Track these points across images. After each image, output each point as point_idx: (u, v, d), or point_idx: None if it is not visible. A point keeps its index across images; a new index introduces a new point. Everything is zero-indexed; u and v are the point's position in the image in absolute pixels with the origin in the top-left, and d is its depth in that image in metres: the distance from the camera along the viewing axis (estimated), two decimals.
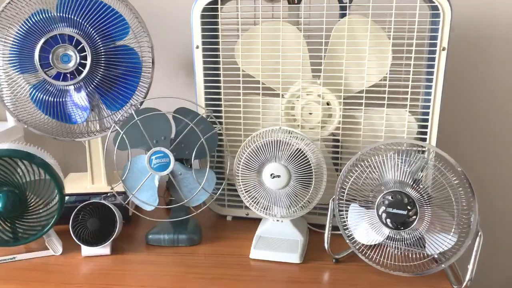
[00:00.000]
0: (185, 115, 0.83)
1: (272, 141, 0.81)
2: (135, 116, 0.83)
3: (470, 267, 0.71)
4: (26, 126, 0.91)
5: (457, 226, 0.72)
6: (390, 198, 0.73)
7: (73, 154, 1.25)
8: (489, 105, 1.16)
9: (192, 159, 0.83)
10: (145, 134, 0.82)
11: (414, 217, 0.72)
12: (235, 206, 0.98)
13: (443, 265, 0.74)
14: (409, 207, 0.72)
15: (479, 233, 0.71)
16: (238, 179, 0.84)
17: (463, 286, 0.71)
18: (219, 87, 0.92)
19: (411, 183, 0.74)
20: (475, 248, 0.71)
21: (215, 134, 0.85)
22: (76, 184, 1.03)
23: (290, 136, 0.82)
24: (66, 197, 0.96)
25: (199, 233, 0.90)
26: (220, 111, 0.93)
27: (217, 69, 0.92)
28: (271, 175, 0.81)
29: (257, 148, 0.81)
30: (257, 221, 0.92)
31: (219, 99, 0.93)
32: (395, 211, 0.73)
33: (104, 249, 0.84)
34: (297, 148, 0.81)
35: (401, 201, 0.72)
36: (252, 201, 0.84)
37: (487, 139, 1.19)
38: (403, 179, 0.74)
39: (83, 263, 0.83)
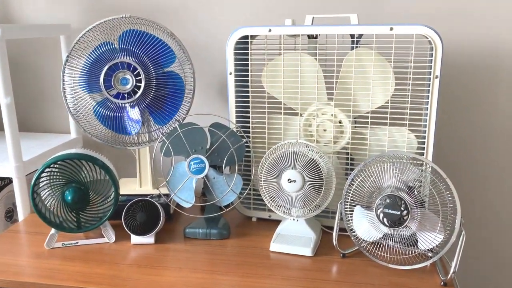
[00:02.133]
0: (219, 129, 1.01)
1: (290, 152, 0.97)
2: (178, 129, 1.01)
3: (454, 261, 0.83)
4: (90, 136, 1.12)
5: (443, 226, 0.85)
6: (387, 200, 0.87)
7: (123, 163, 1.46)
8: (483, 127, 1.27)
9: (224, 166, 1.00)
10: (186, 144, 1.01)
11: (406, 217, 0.85)
12: (259, 208, 1.13)
13: (431, 260, 0.86)
14: (402, 208, 0.86)
15: (462, 232, 0.84)
16: (261, 183, 1.00)
17: (448, 277, 0.83)
18: (247, 107, 1.10)
19: (406, 189, 0.87)
20: (458, 245, 0.83)
21: (243, 146, 1.03)
22: (126, 187, 1.22)
23: (307, 149, 0.98)
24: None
25: (228, 229, 1.06)
26: (248, 127, 1.10)
27: (246, 91, 1.10)
28: (288, 180, 0.96)
29: (278, 158, 0.98)
30: (278, 222, 1.07)
31: (248, 117, 1.10)
32: (390, 211, 0.86)
33: (149, 239, 1.02)
34: (311, 158, 0.96)
35: (395, 203, 0.86)
36: (272, 202, 1.00)
37: (478, 152, 1.30)
38: (399, 186, 0.88)
39: (132, 249, 1.01)
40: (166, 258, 0.96)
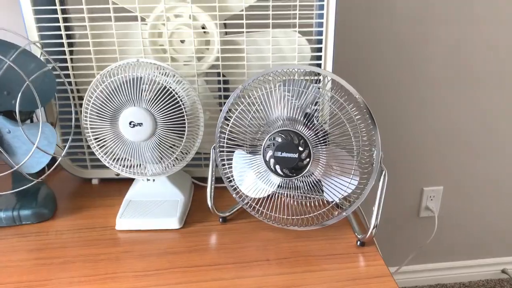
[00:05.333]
0: (1, 50, 0.60)
1: (129, 79, 0.62)
2: None
3: (374, 212, 0.60)
4: None
5: (359, 166, 0.60)
6: (278, 140, 0.59)
7: None
8: (395, 19, 1.05)
9: (17, 110, 0.61)
10: None
11: (308, 160, 0.58)
12: (100, 165, 0.78)
13: (344, 213, 0.62)
14: (300, 149, 0.58)
15: (384, 172, 0.59)
16: (88, 132, 0.64)
17: (367, 235, 0.60)
18: (55, 11, 0.69)
19: (302, 120, 0.59)
20: (379, 189, 0.60)
21: (50, 74, 0.64)
22: None
23: (156, 72, 0.63)
24: None
25: (51, 205, 0.70)
26: (61, 45, 0.70)
27: None
28: (130, 123, 0.62)
29: (111, 89, 0.62)
30: (130, 181, 0.74)
31: (58, 28, 0.69)
32: (284, 154, 0.58)
33: None
34: (163, 86, 0.62)
35: (290, 142, 0.58)
36: (111, 160, 0.66)
37: (393, 61, 1.09)
38: (293, 115, 0.60)
39: None
40: None
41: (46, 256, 0.61)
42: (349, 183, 0.60)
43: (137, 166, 0.68)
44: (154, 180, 0.69)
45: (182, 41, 0.71)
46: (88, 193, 0.77)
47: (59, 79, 0.66)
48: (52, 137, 0.64)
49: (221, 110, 0.75)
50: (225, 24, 0.72)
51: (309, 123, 0.59)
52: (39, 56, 0.65)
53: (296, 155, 0.58)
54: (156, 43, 0.72)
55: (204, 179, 0.77)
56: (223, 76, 0.73)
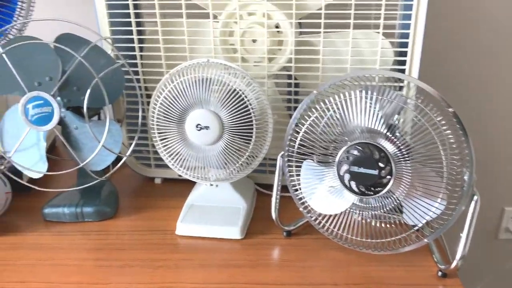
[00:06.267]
0: (74, 46, 0.59)
1: (198, 79, 0.59)
2: (0, 48, 0.58)
3: (462, 241, 0.52)
4: None
5: (447, 188, 0.53)
6: (355, 153, 0.53)
7: None
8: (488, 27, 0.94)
9: (85, 107, 0.60)
10: (15, 73, 0.58)
11: (389, 177, 0.52)
12: (164, 165, 0.76)
13: (426, 240, 0.55)
14: (381, 165, 0.52)
15: (475, 197, 0.52)
16: (154, 133, 0.62)
17: (452, 266, 0.53)
18: (127, 6, 0.67)
19: (385, 132, 0.53)
20: (469, 216, 0.52)
21: (119, 71, 0.62)
22: None
23: (225, 73, 0.60)
24: None
25: (114, 203, 0.69)
26: (131, 41, 0.69)
27: None
28: (197, 126, 0.59)
29: (177, 90, 0.59)
30: (193, 184, 0.71)
31: (129, 24, 0.68)
32: (362, 170, 0.52)
33: None
34: (233, 89, 0.59)
35: (370, 157, 0.52)
36: (175, 162, 0.63)
37: (487, 69, 0.98)
38: (373, 126, 0.54)
39: None
40: (4, 264, 0.59)
41: (105, 257, 0.60)
42: (435, 207, 0.53)
43: (199, 168, 0.65)
44: (217, 185, 0.65)
45: (254, 41, 0.67)
46: (150, 192, 0.76)
47: (127, 76, 0.65)
48: (118, 135, 0.63)
49: (289, 115, 0.71)
50: (299, 23, 0.67)
51: (392, 136, 0.52)
52: (109, 52, 0.64)
53: (376, 172, 0.52)
54: (227, 42, 0.68)
55: (268, 186, 0.72)
56: (294, 79, 0.69)
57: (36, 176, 0.64)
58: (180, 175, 0.75)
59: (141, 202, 0.72)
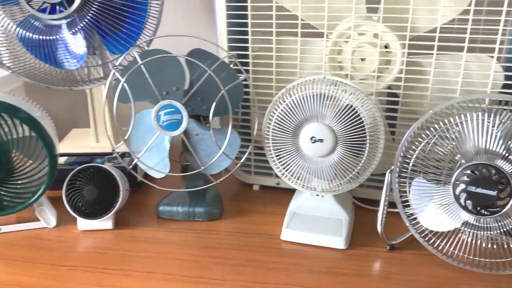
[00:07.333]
0: (202, 60, 0.65)
1: (314, 95, 0.62)
2: (138, 60, 0.65)
3: None
4: (10, 72, 0.75)
5: None
6: (473, 173, 0.54)
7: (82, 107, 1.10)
8: None
9: (211, 116, 0.65)
10: (151, 83, 0.65)
11: (508, 199, 0.53)
12: (263, 173, 0.80)
13: None
14: (500, 187, 0.53)
15: None
16: (268, 143, 0.66)
17: None
18: (245, 24, 0.73)
19: (503, 153, 0.54)
20: None
21: (240, 85, 0.67)
22: (78, 142, 0.89)
23: (337, 89, 0.63)
24: (64, 158, 0.81)
25: (220, 205, 0.74)
26: (246, 56, 0.74)
27: (244, 0, 0.72)
28: (311, 138, 0.63)
29: (294, 104, 0.63)
30: (289, 192, 0.75)
31: (246, 40, 0.73)
32: (480, 190, 0.54)
33: (104, 223, 0.70)
34: (348, 105, 0.62)
35: (489, 178, 0.53)
36: (287, 171, 0.67)
37: None
38: (491, 148, 0.55)
39: (80, 239, 0.69)
40: (127, 255, 0.65)
41: (219, 255, 0.64)
42: None
43: (303, 178, 0.68)
44: (323, 196, 0.68)
45: (363, 59, 0.70)
46: (249, 198, 0.80)
47: (245, 89, 0.70)
48: (235, 143, 0.67)
49: (391, 133, 0.73)
50: (410, 44, 0.70)
51: (510, 156, 0.54)
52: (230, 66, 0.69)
53: (494, 193, 0.53)
54: (335, 59, 0.72)
55: (364, 200, 0.75)
56: (398, 97, 0.71)
57: (158, 176, 0.70)
58: (277, 183, 0.80)
59: (242, 207, 0.77)
